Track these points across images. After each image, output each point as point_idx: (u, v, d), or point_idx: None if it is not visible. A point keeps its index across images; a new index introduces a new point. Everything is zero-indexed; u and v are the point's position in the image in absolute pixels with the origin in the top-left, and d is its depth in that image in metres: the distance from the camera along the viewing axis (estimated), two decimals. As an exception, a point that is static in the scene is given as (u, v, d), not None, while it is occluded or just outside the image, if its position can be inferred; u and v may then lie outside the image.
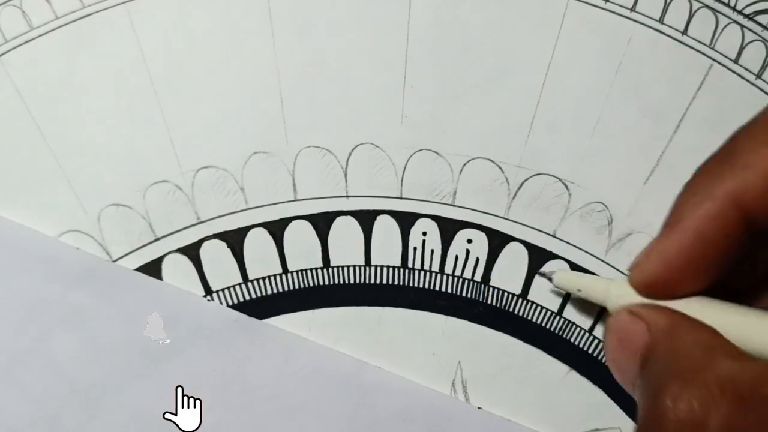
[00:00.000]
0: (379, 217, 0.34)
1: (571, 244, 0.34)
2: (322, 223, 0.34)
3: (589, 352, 0.33)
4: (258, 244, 0.33)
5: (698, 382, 0.20)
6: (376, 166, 0.34)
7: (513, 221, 0.34)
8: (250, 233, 0.34)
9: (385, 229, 0.34)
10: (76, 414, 0.31)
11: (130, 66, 0.34)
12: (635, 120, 0.35)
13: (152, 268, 0.33)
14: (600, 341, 0.33)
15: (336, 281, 0.33)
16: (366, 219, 0.34)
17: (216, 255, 0.33)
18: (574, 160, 0.34)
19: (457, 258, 0.34)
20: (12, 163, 0.33)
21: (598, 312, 0.33)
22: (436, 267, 0.34)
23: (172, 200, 0.34)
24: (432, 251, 0.34)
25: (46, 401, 0.31)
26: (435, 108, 0.34)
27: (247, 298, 0.33)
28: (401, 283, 0.34)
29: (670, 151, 0.34)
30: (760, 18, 0.35)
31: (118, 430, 0.32)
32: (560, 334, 0.33)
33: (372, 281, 0.33)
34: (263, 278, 0.33)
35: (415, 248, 0.34)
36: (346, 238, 0.34)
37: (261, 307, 0.33)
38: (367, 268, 0.34)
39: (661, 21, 0.35)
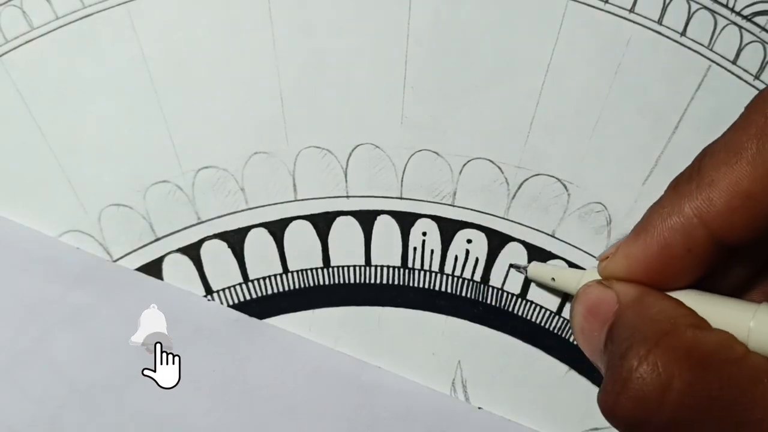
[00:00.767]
0: (379, 217, 0.34)
1: (570, 244, 0.34)
2: (322, 223, 0.34)
3: (589, 351, 0.33)
4: (258, 244, 0.33)
5: (664, 345, 0.21)
6: (376, 167, 0.34)
7: (512, 221, 0.34)
8: (251, 233, 0.34)
9: (385, 229, 0.34)
10: (76, 414, 0.31)
11: (130, 66, 0.34)
12: (634, 120, 0.35)
13: (153, 268, 0.33)
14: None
15: (336, 281, 0.33)
16: (366, 219, 0.34)
17: (216, 255, 0.33)
18: (574, 160, 0.34)
19: (456, 258, 0.34)
20: (12, 163, 0.33)
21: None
22: (435, 267, 0.34)
23: (173, 200, 0.34)
24: (432, 251, 0.34)
25: (46, 401, 0.31)
26: (435, 108, 0.34)
27: (248, 298, 0.33)
28: (401, 283, 0.34)
29: (668, 151, 0.35)
30: (758, 19, 0.35)
31: (118, 430, 0.32)
32: (560, 333, 0.34)
33: (372, 281, 0.33)
34: (263, 278, 0.33)
35: (415, 248, 0.34)
36: (346, 238, 0.34)
37: (261, 307, 0.33)
38: (367, 268, 0.34)
39: (659, 22, 0.35)
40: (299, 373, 0.32)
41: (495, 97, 0.35)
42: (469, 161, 0.34)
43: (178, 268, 0.33)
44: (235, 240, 0.33)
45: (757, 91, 0.35)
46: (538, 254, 0.34)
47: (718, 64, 0.35)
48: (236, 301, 0.33)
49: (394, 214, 0.34)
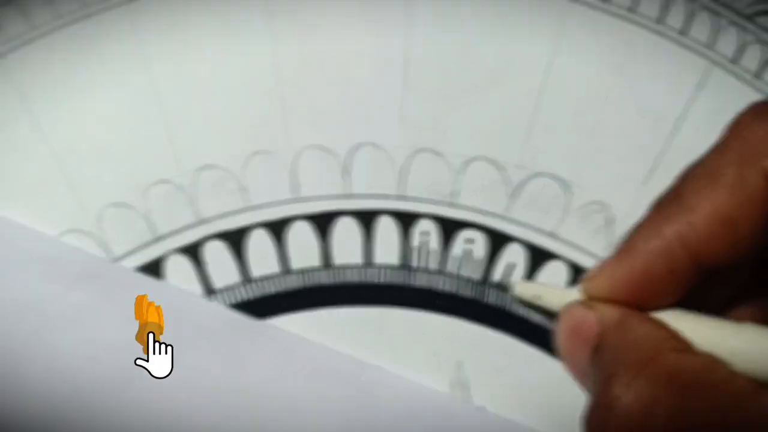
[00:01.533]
0: (379, 217, 0.34)
1: (571, 244, 0.34)
2: (322, 222, 0.34)
3: (589, 351, 0.33)
4: (259, 244, 0.33)
5: (647, 373, 0.21)
6: (377, 166, 0.34)
7: (513, 221, 0.34)
8: (251, 233, 0.34)
9: (386, 229, 0.34)
10: (76, 414, 0.31)
11: (130, 66, 0.34)
12: (634, 121, 0.35)
13: (153, 268, 0.33)
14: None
15: (336, 281, 0.33)
16: (366, 219, 0.34)
17: (217, 255, 0.33)
18: (574, 160, 0.34)
19: (457, 258, 0.34)
20: (12, 163, 0.33)
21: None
22: (436, 267, 0.34)
23: (173, 200, 0.34)
24: (432, 251, 0.34)
25: (46, 401, 0.31)
26: (435, 108, 0.34)
27: (248, 297, 0.33)
28: (401, 283, 0.34)
29: (669, 151, 0.35)
30: (758, 20, 0.35)
31: (118, 430, 0.32)
32: (560, 333, 0.34)
33: (372, 281, 0.33)
34: (264, 278, 0.33)
35: (415, 248, 0.34)
36: (346, 237, 0.34)
37: (261, 307, 0.33)
38: (368, 268, 0.34)
39: (660, 23, 0.35)
40: (299, 373, 0.32)
41: (495, 97, 0.35)
42: (469, 161, 0.34)
43: (178, 268, 0.33)
44: (235, 240, 0.33)
45: (757, 92, 0.35)
46: (538, 254, 0.34)
47: (718, 65, 0.35)
48: (236, 301, 0.33)
49: (395, 214, 0.34)
